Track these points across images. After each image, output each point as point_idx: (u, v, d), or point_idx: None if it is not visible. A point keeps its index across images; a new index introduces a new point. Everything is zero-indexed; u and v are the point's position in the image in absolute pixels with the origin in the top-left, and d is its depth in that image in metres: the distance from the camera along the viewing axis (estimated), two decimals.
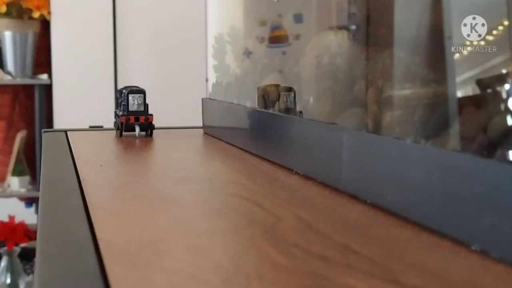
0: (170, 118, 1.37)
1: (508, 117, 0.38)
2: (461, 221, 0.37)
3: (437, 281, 0.32)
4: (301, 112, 0.66)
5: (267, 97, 0.72)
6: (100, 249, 0.37)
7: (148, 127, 0.89)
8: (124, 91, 0.90)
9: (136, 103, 0.88)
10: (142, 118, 0.88)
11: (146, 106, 0.89)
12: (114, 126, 0.92)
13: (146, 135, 0.89)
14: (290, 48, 0.72)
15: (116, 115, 0.91)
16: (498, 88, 0.40)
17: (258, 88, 0.74)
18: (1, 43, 3.00)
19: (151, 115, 0.89)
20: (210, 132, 0.92)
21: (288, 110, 0.67)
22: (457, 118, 0.43)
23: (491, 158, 0.37)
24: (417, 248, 0.38)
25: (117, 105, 0.93)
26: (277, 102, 0.69)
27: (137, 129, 0.87)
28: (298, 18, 0.71)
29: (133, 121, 0.88)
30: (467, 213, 0.36)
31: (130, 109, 0.88)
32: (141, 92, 0.89)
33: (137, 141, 0.85)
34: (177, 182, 0.58)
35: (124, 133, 0.88)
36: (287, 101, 0.67)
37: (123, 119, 0.88)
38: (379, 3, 0.55)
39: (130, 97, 0.88)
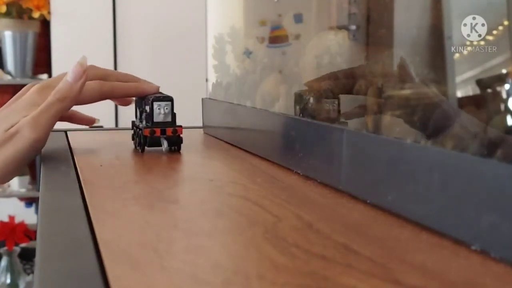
0: None
1: (508, 117, 0.38)
2: (461, 221, 0.37)
3: (437, 281, 0.32)
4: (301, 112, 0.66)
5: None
6: (100, 249, 0.37)
7: (176, 141, 0.73)
8: (147, 97, 0.74)
9: (162, 112, 0.72)
10: (169, 131, 0.72)
11: (173, 115, 0.73)
12: (132, 139, 0.78)
13: (173, 151, 0.73)
14: (290, 48, 0.72)
15: (134, 125, 0.77)
16: (498, 88, 0.40)
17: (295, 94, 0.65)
18: (1, 43, 3.00)
19: (180, 126, 0.73)
20: (210, 132, 0.92)
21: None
22: (457, 118, 0.43)
23: (491, 158, 0.37)
24: (417, 248, 0.38)
25: (136, 114, 0.78)
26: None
27: (165, 143, 0.72)
28: (298, 18, 0.71)
29: (159, 134, 0.72)
30: (467, 213, 0.36)
31: (155, 119, 0.72)
32: (169, 99, 0.73)
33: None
34: (177, 182, 0.58)
35: (146, 148, 0.73)
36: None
37: (147, 132, 0.72)
38: (379, 3, 0.55)
39: (155, 105, 0.72)
